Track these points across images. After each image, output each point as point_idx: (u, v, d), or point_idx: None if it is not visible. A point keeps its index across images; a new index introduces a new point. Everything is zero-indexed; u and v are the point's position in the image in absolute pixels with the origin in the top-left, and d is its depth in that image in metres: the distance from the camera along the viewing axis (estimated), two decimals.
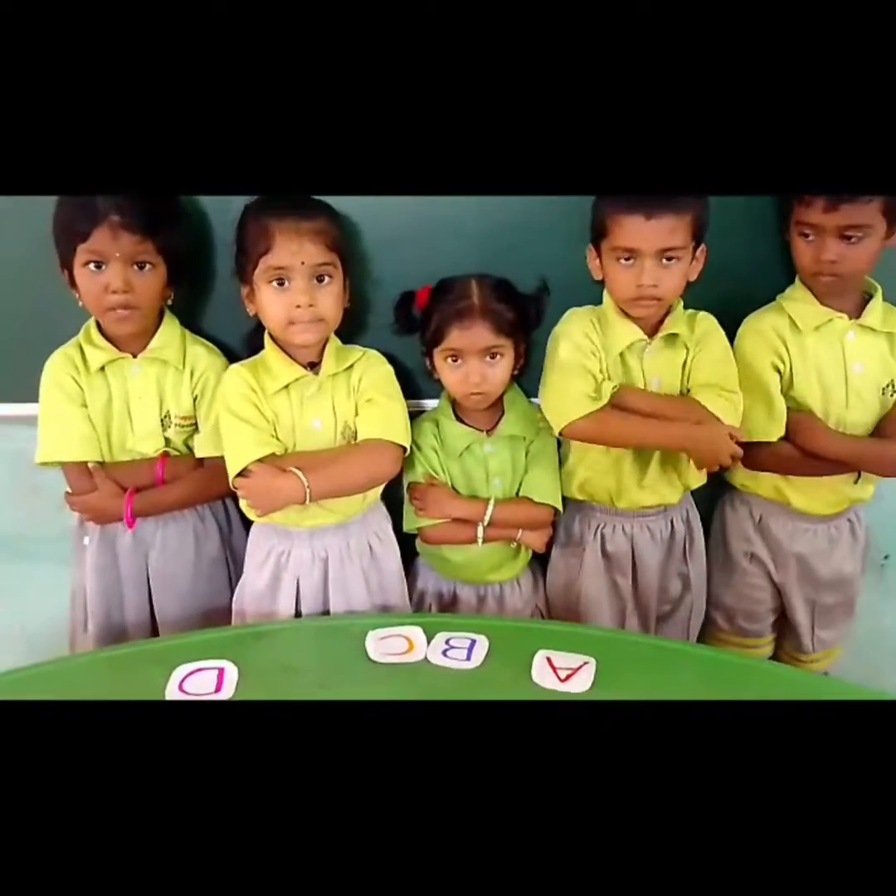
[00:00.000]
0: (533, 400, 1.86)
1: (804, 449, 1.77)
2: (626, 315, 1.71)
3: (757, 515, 1.94)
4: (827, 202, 1.61)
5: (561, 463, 1.87)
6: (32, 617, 2.13)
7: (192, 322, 1.82)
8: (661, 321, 1.72)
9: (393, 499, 1.88)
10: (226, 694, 1.35)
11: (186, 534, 1.85)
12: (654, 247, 1.59)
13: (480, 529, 1.80)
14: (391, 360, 1.78)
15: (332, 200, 1.67)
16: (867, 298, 1.77)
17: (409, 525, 1.87)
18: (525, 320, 1.75)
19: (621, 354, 1.73)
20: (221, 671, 1.40)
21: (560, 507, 1.84)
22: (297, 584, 1.77)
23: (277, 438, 1.67)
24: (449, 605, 1.94)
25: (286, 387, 1.68)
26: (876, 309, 1.76)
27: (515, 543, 1.86)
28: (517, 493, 1.85)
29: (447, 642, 1.48)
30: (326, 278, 1.62)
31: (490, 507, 1.79)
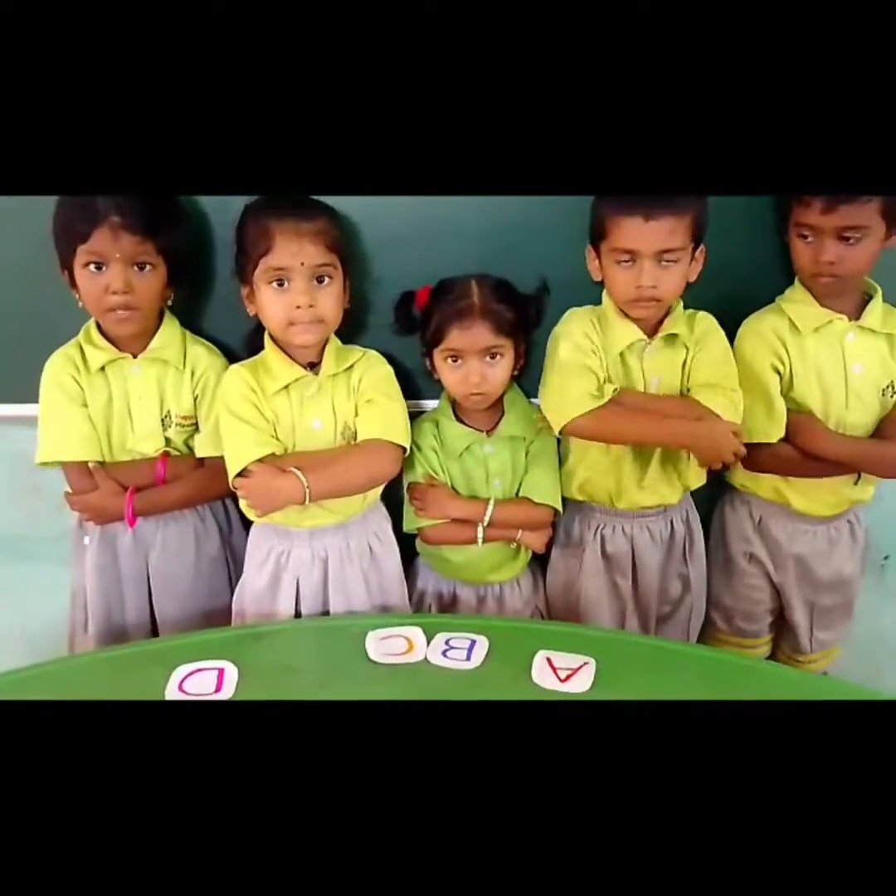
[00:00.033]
0: (533, 400, 1.86)
1: (804, 450, 1.77)
2: (626, 315, 1.71)
3: (757, 516, 1.94)
4: (825, 203, 1.61)
5: (561, 463, 1.87)
6: (32, 617, 2.13)
7: (192, 322, 1.82)
8: (661, 321, 1.72)
9: (393, 499, 1.88)
10: (226, 694, 1.35)
11: (187, 534, 1.86)
12: (652, 248, 1.59)
13: (480, 530, 1.80)
14: (391, 360, 1.78)
15: (332, 201, 1.67)
16: (867, 299, 1.77)
17: (408, 525, 1.87)
18: (525, 320, 1.75)
19: (621, 354, 1.73)
20: (221, 671, 1.40)
21: (560, 507, 1.84)
22: (297, 584, 1.77)
23: (277, 439, 1.67)
24: (449, 605, 1.94)
25: (286, 387, 1.68)
26: (876, 310, 1.76)
27: (515, 544, 1.86)
28: (517, 494, 1.85)
29: (447, 643, 1.48)
30: (326, 279, 1.62)
31: (490, 508, 1.79)
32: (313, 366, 1.70)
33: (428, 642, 1.48)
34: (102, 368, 1.73)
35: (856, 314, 1.76)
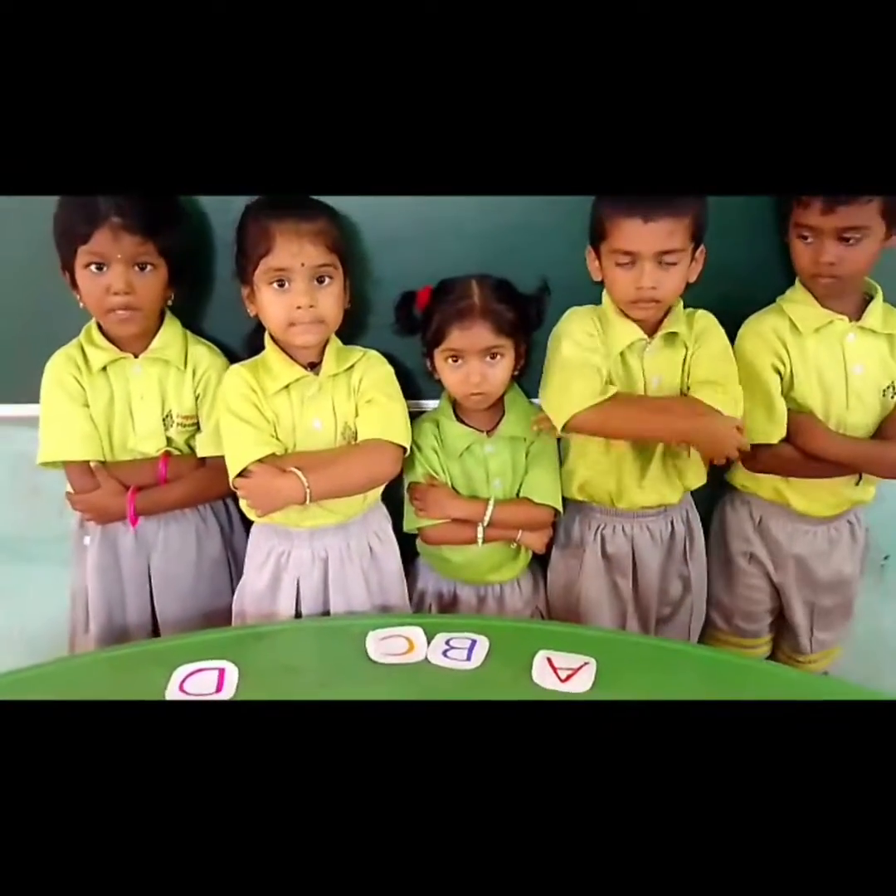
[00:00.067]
0: (534, 400, 1.86)
1: (805, 450, 1.77)
2: (626, 315, 1.71)
3: (757, 516, 1.94)
4: (825, 204, 1.61)
5: (561, 463, 1.87)
6: (32, 618, 2.14)
7: (192, 323, 1.82)
8: (661, 321, 1.72)
9: (393, 499, 1.88)
10: (226, 694, 1.35)
11: (188, 533, 1.86)
12: (652, 249, 1.59)
13: (480, 530, 1.80)
14: (391, 360, 1.78)
15: (332, 201, 1.67)
16: (868, 300, 1.77)
17: (409, 525, 1.87)
18: (525, 321, 1.75)
19: (622, 354, 1.73)
20: (222, 671, 1.40)
21: (560, 507, 1.84)
22: (298, 584, 1.77)
23: (278, 439, 1.68)
24: (449, 605, 1.94)
25: (286, 387, 1.68)
26: (876, 310, 1.76)
27: (515, 544, 1.86)
28: (518, 494, 1.85)
29: (447, 642, 1.48)
30: (327, 279, 1.62)
31: (490, 508, 1.79)
32: (314, 366, 1.70)
33: (428, 642, 1.48)
34: (104, 368, 1.73)
35: (856, 315, 1.76)
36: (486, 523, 1.80)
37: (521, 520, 1.83)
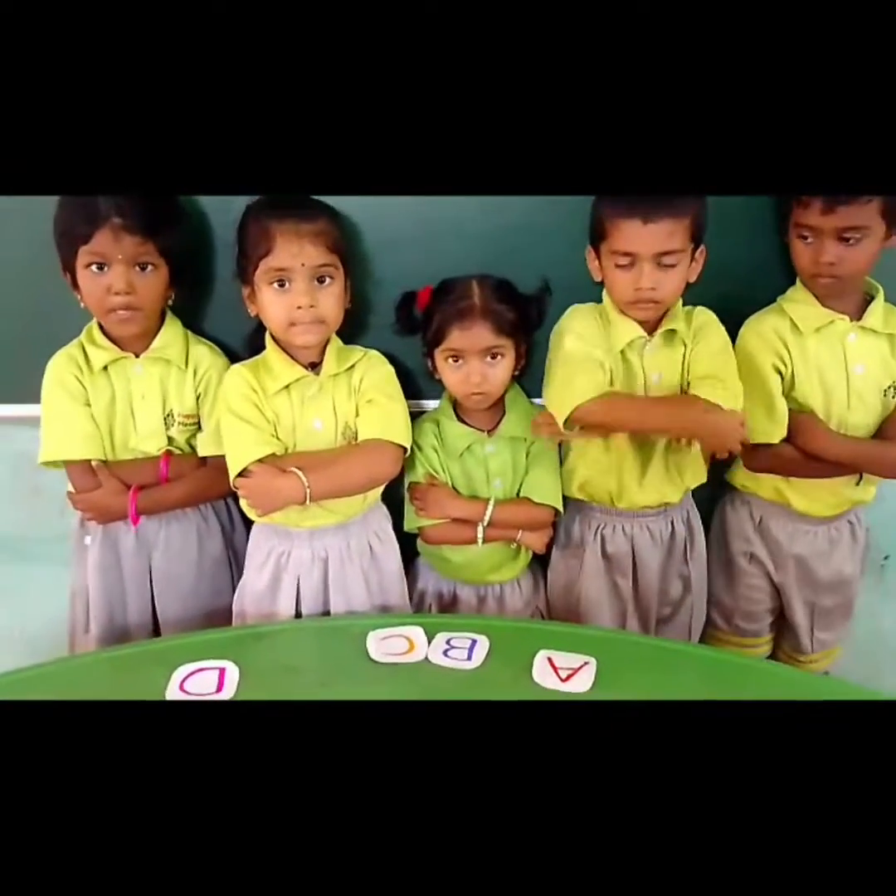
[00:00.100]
0: (534, 400, 1.86)
1: (805, 450, 1.77)
2: (626, 314, 1.72)
3: (757, 516, 1.94)
4: (824, 204, 1.61)
5: (561, 462, 1.87)
6: (32, 618, 2.14)
7: (193, 323, 1.83)
8: (661, 319, 1.72)
9: (393, 499, 1.88)
10: (227, 694, 1.35)
11: (189, 533, 1.86)
12: (651, 250, 1.59)
13: (480, 530, 1.80)
14: (392, 360, 1.78)
15: (333, 201, 1.67)
16: (868, 299, 1.77)
17: (409, 524, 1.87)
18: (526, 321, 1.75)
19: (622, 351, 1.72)
20: (222, 671, 1.40)
21: (560, 508, 1.84)
22: (298, 584, 1.77)
23: (278, 439, 1.68)
24: (449, 605, 1.94)
25: (287, 387, 1.68)
26: (877, 310, 1.76)
27: (515, 544, 1.86)
28: (518, 494, 1.85)
29: (448, 642, 1.48)
30: (327, 279, 1.62)
31: (489, 508, 1.79)
32: (314, 366, 1.71)
33: (429, 642, 1.49)
34: (105, 368, 1.73)
35: (857, 314, 1.76)
36: (486, 523, 1.80)
37: (521, 520, 1.83)
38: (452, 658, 1.45)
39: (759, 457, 1.80)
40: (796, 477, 1.84)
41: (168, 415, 1.78)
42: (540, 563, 1.99)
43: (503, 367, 1.72)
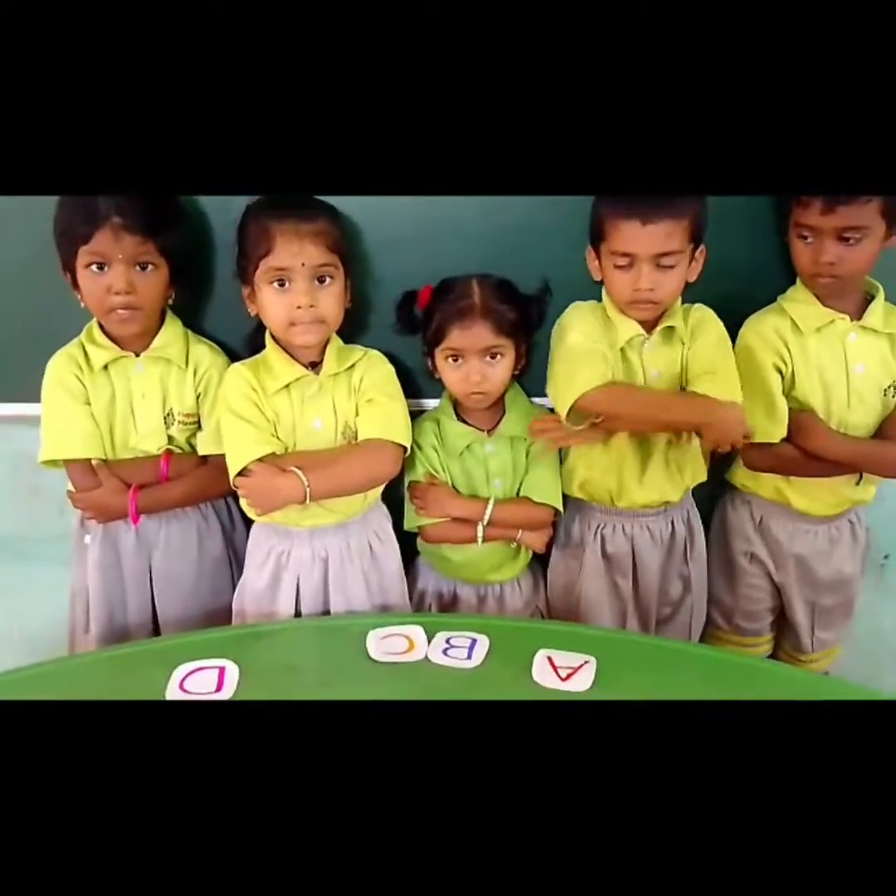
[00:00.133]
0: (534, 400, 1.86)
1: (805, 450, 1.77)
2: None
3: (757, 516, 1.94)
4: (824, 204, 1.61)
5: (561, 461, 1.87)
6: (32, 618, 2.14)
7: (193, 322, 1.83)
8: (660, 317, 1.72)
9: (393, 498, 1.88)
10: (226, 693, 1.35)
11: (190, 532, 1.86)
12: (650, 251, 1.60)
13: (480, 529, 1.80)
14: (392, 359, 1.78)
15: (332, 201, 1.67)
16: (869, 299, 1.77)
17: (409, 523, 1.87)
18: (526, 320, 1.75)
19: (621, 349, 1.72)
20: (222, 670, 1.40)
21: (560, 507, 1.84)
22: (297, 583, 1.77)
23: (278, 438, 1.68)
24: (449, 604, 1.94)
25: (287, 386, 1.68)
26: (877, 310, 1.76)
27: (515, 543, 1.86)
28: (518, 493, 1.85)
29: (448, 641, 1.48)
30: (327, 279, 1.62)
31: (489, 507, 1.79)
32: (315, 365, 1.71)
33: (429, 641, 1.49)
34: (105, 367, 1.73)
35: (857, 314, 1.76)
36: (485, 522, 1.80)
37: (520, 519, 1.83)
38: (452, 657, 1.45)
39: (759, 456, 1.80)
40: (796, 476, 1.84)
41: (168, 414, 1.78)
42: (540, 562, 1.99)
43: (503, 367, 1.72)
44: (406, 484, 1.85)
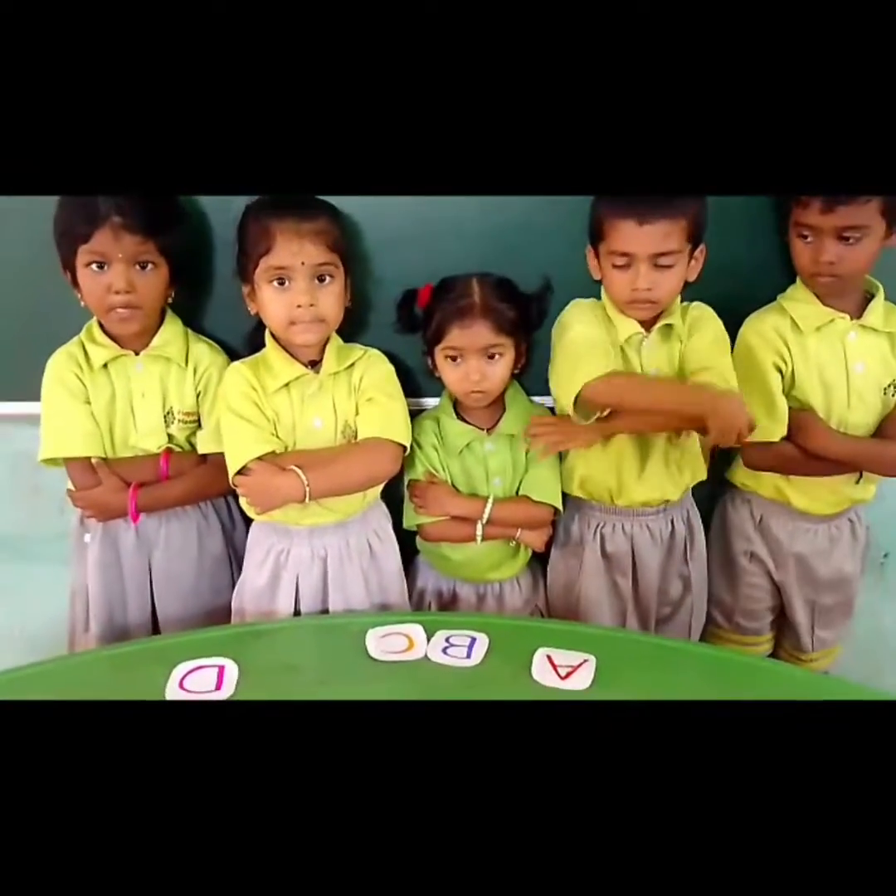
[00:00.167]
0: (534, 399, 1.86)
1: (806, 449, 1.77)
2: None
3: (757, 515, 1.94)
4: (824, 203, 1.61)
5: (561, 459, 1.87)
6: (32, 617, 2.14)
7: (193, 321, 1.83)
8: (659, 315, 1.72)
9: (393, 497, 1.88)
10: (226, 692, 1.35)
11: (190, 530, 1.86)
12: (647, 251, 1.60)
13: (479, 527, 1.80)
14: (392, 358, 1.78)
15: (333, 201, 1.67)
16: (869, 298, 1.77)
17: (408, 522, 1.87)
18: (526, 319, 1.75)
19: (621, 347, 1.72)
20: (222, 669, 1.40)
21: (560, 506, 1.84)
22: (297, 582, 1.77)
23: (278, 437, 1.68)
24: (449, 603, 1.94)
25: (287, 385, 1.68)
26: (877, 309, 1.76)
27: (515, 542, 1.86)
28: (517, 492, 1.85)
29: (447, 640, 1.48)
30: (327, 278, 1.62)
31: (488, 506, 1.79)
32: (314, 364, 1.71)
33: (428, 640, 1.49)
34: (105, 366, 1.73)
35: (857, 313, 1.76)
36: (484, 521, 1.80)
37: (520, 518, 1.83)
38: (452, 656, 1.45)
39: (759, 455, 1.80)
40: (796, 475, 1.84)
41: (168, 412, 1.78)
42: (540, 561, 1.99)
43: (502, 366, 1.72)
44: (405, 482, 1.85)
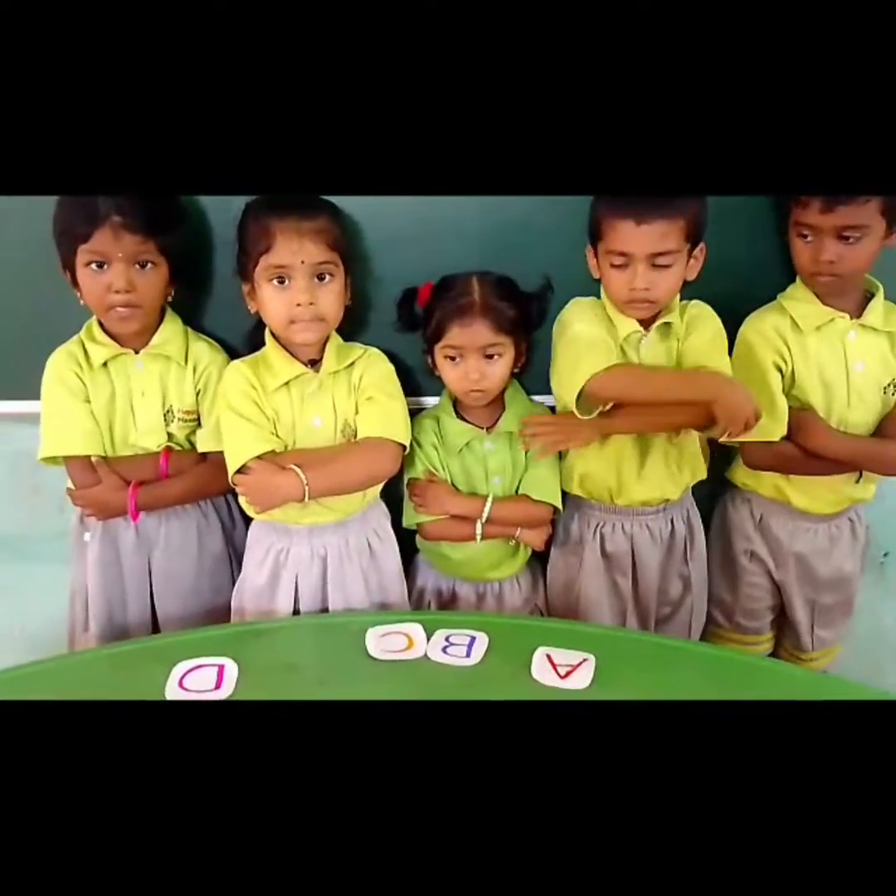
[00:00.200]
0: (534, 398, 1.86)
1: (806, 448, 1.77)
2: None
3: (758, 514, 1.94)
4: (824, 203, 1.61)
5: (561, 458, 1.87)
6: (32, 617, 2.14)
7: (193, 319, 1.83)
8: (658, 314, 1.72)
9: (393, 497, 1.88)
10: (226, 691, 1.36)
11: (190, 529, 1.86)
12: (645, 251, 1.59)
13: (479, 526, 1.80)
14: (392, 357, 1.78)
15: (333, 200, 1.67)
16: (869, 297, 1.77)
17: (408, 520, 1.87)
18: (526, 318, 1.75)
19: (620, 346, 1.72)
20: (221, 668, 1.40)
21: (559, 505, 1.84)
22: (296, 581, 1.77)
23: (277, 436, 1.68)
24: (448, 602, 1.94)
25: (286, 384, 1.68)
26: (877, 308, 1.76)
27: (514, 541, 1.86)
28: (517, 491, 1.85)
29: (447, 639, 1.48)
30: (327, 277, 1.62)
31: (488, 505, 1.79)
32: (314, 363, 1.71)
33: (428, 639, 1.49)
34: (104, 364, 1.73)
35: (857, 312, 1.76)
36: (484, 520, 1.80)
37: (519, 517, 1.83)
38: (451, 655, 1.45)
39: (759, 454, 1.80)
40: (797, 474, 1.84)
41: (168, 411, 1.78)
42: (539, 560, 1.99)
43: (502, 365, 1.72)
44: (405, 481, 1.85)
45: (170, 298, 1.75)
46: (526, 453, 1.83)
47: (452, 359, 1.72)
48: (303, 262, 1.58)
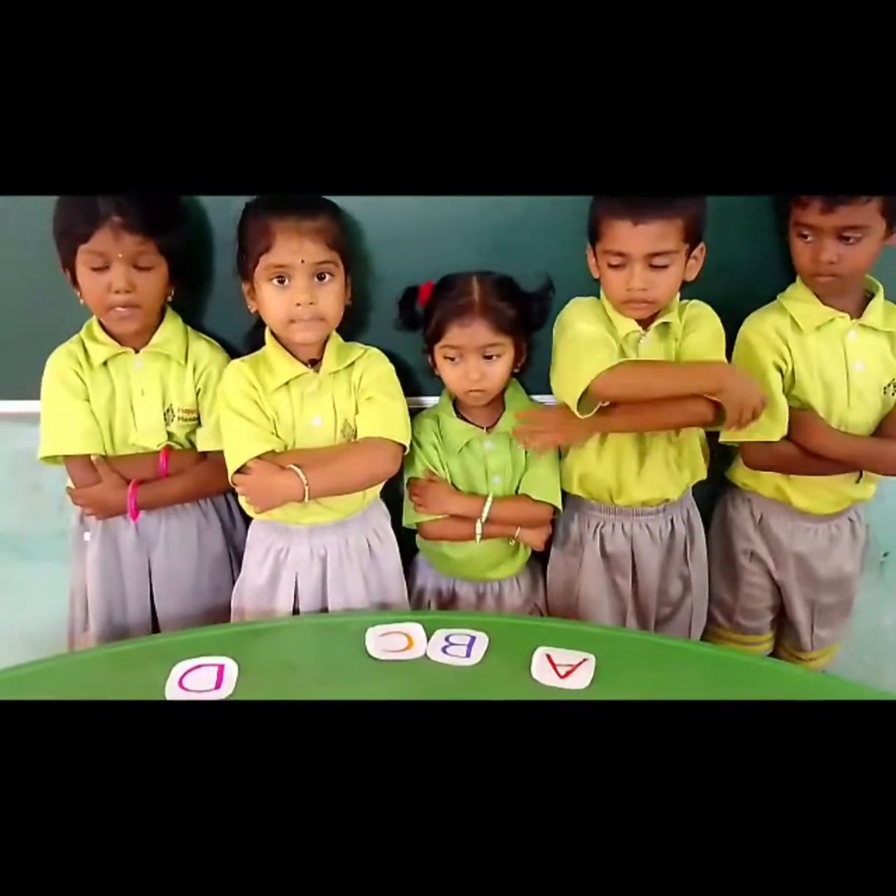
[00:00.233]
0: (534, 397, 1.86)
1: (806, 448, 1.77)
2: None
3: (758, 514, 1.94)
4: (824, 203, 1.61)
5: (561, 458, 1.87)
6: (32, 616, 2.14)
7: (193, 319, 1.83)
8: (657, 314, 1.72)
9: (392, 496, 1.88)
10: (226, 690, 1.36)
11: (190, 528, 1.86)
12: (642, 251, 1.59)
13: (479, 526, 1.80)
14: (392, 357, 1.78)
15: (333, 200, 1.67)
16: (869, 297, 1.77)
17: (408, 520, 1.87)
18: (526, 318, 1.75)
19: (619, 346, 1.72)
20: (221, 668, 1.40)
21: (559, 505, 1.84)
22: (296, 581, 1.77)
23: (277, 436, 1.68)
24: (448, 602, 1.94)
25: (287, 384, 1.68)
26: (877, 308, 1.76)
27: (514, 541, 1.86)
28: (517, 491, 1.85)
29: (447, 639, 1.48)
30: (327, 276, 1.62)
31: (487, 504, 1.79)
32: (314, 363, 1.71)
33: (428, 639, 1.49)
34: (105, 364, 1.73)
35: (857, 312, 1.76)
36: (484, 520, 1.80)
37: (519, 517, 1.83)
38: (451, 655, 1.45)
39: (759, 454, 1.80)
40: (797, 474, 1.84)
41: (168, 410, 1.78)
42: (539, 560, 1.99)
43: (502, 365, 1.72)
44: (405, 481, 1.85)
45: (170, 298, 1.75)
46: (526, 453, 1.83)
47: (452, 359, 1.72)
48: (303, 261, 1.58)
